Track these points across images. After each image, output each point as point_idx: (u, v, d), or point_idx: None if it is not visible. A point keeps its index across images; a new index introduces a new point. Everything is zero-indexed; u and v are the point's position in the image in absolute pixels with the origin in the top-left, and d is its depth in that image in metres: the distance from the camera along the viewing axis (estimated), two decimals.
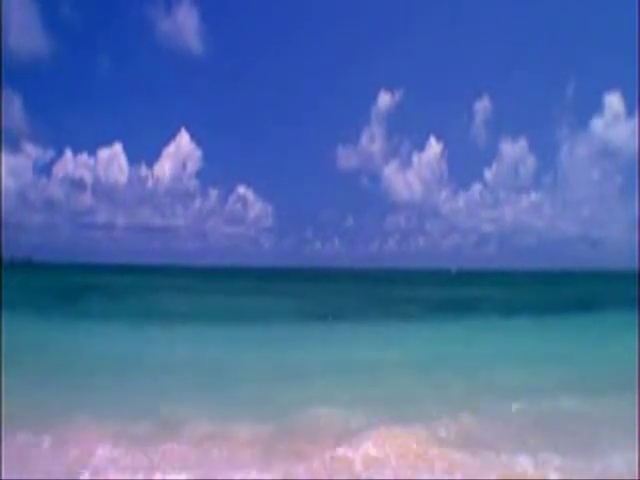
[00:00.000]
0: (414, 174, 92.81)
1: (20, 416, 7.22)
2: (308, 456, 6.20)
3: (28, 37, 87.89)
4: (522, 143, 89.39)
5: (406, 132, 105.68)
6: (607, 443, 6.46)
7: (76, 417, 7.32)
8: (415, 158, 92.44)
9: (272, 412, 7.76)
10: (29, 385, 9.01)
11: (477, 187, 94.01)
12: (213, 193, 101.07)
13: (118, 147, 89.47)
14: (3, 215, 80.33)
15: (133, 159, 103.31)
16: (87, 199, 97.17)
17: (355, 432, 6.88)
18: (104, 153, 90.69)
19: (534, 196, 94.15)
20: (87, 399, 8.39)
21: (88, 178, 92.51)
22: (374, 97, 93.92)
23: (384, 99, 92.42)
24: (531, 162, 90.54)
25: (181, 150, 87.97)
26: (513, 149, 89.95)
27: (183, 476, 5.70)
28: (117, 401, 8.30)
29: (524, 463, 6.00)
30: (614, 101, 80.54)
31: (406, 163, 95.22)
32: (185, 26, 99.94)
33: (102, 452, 6.26)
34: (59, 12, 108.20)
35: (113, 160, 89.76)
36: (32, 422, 7.07)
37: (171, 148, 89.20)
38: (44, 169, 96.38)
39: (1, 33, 66.59)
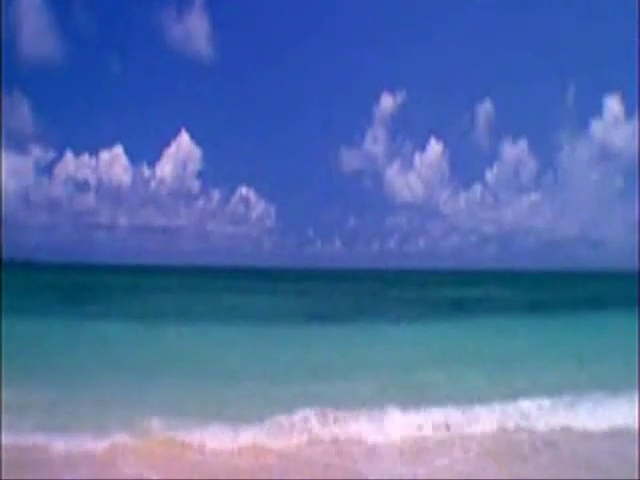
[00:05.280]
0: (416, 175, 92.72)
1: (20, 415, 7.25)
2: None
3: (37, 40, 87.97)
4: (523, 144, 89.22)
5: (408, 133, 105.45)
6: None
7: (76, 416, 7.39)
8: (417, 159, 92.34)
9: (270, 410, 7.84)
10: (29, 385, 9.02)
11: (478, 188, 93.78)
12: (215, 194, 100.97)
13: (121, 148, 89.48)
14: (5, 215, 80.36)
15: (136, 160, 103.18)
16: (89, 200, 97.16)
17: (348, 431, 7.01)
18: (106, 154, 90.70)
19: (535, 197, 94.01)
20: (88, 398, 8.44)
21: (91, 179, 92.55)
22: (377, 99, 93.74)
23: (386, 101, 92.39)
24: (532, 163, 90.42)
25: (184, 151, 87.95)
26: (514, 150, 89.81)
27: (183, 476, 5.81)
28: (117, 400, 8.36)
29: None
30: (614, 103, 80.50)
31: (408, 164, 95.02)
32: (194, 31, 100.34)
33: (101, 452, 6.36)
34: (68, 16, 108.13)
35: (115, 161, 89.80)
36: (32, 421, 7.10)
37: (173, 149, 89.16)
38: (46, 170, 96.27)
39: (1, 36, 66.81)
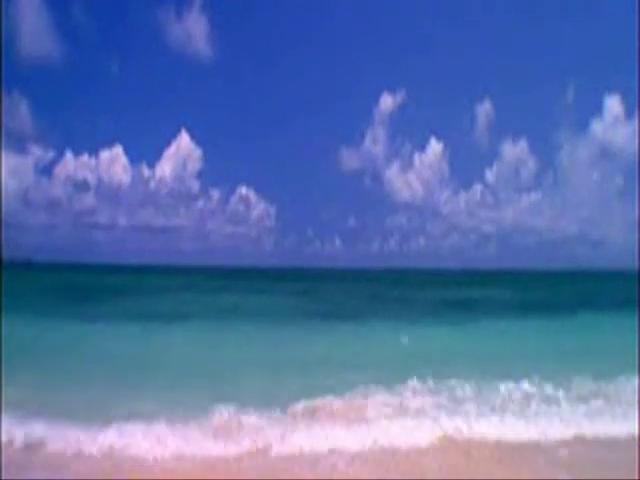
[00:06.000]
0: (415, 175, 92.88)
1: (20, 416, 7.24)
2: None
3: (36, 41, 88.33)
4: (523, 144, 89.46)
5: (408, 133, 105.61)
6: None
7: (75, 416, 7.37)
8: (417, 159, 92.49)
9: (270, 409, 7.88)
10: (29, 386, 9.05)
11: (478, 187, 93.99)
12: (215, 193, 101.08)
13: (120, 148, 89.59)
14: (4, 215, 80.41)
15: (135, 160, 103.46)
16: (89, 200, 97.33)
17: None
18: (106, 154, 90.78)
19: (534, 197, 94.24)
20: (88, 398, 8.45)
21: (90, 179, 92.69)
22: (376, 99, 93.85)
23: (386, 101, 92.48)
24: (532, 163, 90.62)
25: (183, 151, 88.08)
26: (514, 150, 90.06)
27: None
28: (118, 401, 8.38)
29: None
30: (614, 103, 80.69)
31: (408, 164, 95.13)
32: (194, 31, 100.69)
33: (101, 452, 6.38)
34: (67, 16, 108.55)
35: (115, 161, 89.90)
36: (32, 421, 7.09)
37: (173, 149, 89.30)
38: (46, 170, 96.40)
39: (1, 36, 66.85)
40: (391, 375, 10.63)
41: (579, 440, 7.13)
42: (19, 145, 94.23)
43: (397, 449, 6.62)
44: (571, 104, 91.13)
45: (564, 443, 6.98)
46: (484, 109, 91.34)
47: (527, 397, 8.80)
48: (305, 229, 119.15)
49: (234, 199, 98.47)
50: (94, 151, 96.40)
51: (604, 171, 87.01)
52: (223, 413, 7.54)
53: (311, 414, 7.54)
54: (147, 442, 6.59)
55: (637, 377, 9.39)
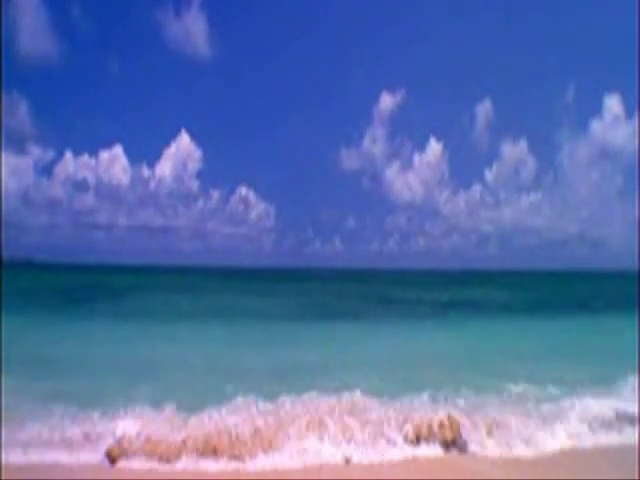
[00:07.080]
0: (415, 175, 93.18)
1: (20, 416, 7.27)
2: None
3: (35, 41, 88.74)
4: (522, 144, 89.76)
5: (407, 133, 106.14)
6: None
7: (76, 415, 7.39)
8: (416, 159, 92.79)
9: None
10: (29, 385, 9.06)
11: (477, 188, 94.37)
12: (215, 194, 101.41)
13: (120, 148, 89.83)
14: (4, 215, 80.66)
15: (135, 160, 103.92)
16: (89, 200, 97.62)
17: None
18: (106, 154, 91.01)
19: (534, 197, 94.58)
20: (87, 398, 8.45)
21: (90, 179, 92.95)
22: (376, 99, 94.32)
23: (386, 101, 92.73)
24: (531, 163, 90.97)
25: (183, 151, 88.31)
26: (513, 150, 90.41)
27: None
28: (117, 400, 8.39)
29: None
30: (614, 103, 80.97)
31: (407, 164, 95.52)
32: (192, 30, 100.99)
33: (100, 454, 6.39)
34: (67, 16, 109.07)
35: (115, 161, 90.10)
36: (32, 422, 7.11)
37: (173, 149, 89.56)
38: (46, 170, 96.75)
39: (0, 36, 67.02)
40: (390, 375, 10.66)
41: (579, 440, 7.14)
42: (19, 145, 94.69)
43: (397, 449, 6.63)
44: (571, 104, 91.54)
45: (563, 443, 6.99)
46: (484, 109, 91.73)
47: (526, 397, 8.78)
48: (305, 229, 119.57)
49: (234, 199, 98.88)
50: (94, 151, 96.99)
51: (604, 171, 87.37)
52: (222, 412, 7.55)
53: (310, 413, 7.51)
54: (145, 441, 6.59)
55: (637, 377, 9.39)
